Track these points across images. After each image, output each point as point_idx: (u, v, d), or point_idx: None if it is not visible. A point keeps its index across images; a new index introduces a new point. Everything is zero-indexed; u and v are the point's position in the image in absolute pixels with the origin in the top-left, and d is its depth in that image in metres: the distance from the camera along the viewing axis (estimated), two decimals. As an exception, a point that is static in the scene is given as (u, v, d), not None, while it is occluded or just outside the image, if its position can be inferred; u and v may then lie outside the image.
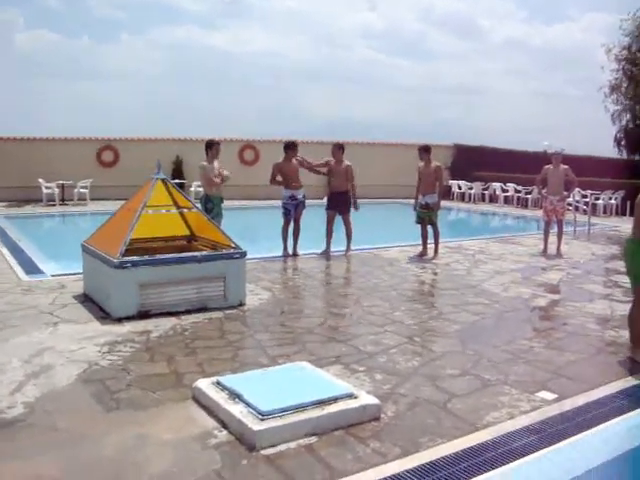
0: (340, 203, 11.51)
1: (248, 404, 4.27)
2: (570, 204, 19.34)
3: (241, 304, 7.57)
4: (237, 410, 4.24)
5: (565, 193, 12.54)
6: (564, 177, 12.29)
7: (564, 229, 12.87)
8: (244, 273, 7.72)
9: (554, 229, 12.67)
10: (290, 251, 11.30)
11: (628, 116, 30.15)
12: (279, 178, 11.21)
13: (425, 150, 11.59)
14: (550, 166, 12.38)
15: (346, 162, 11.48)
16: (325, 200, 11.89)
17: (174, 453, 3.92)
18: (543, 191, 12.72)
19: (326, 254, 11.47)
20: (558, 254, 12.17)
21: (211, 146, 10.08)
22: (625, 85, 29.74)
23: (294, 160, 11.27)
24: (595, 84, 30.41)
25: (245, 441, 4.02)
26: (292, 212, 11.26)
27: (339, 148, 11.59)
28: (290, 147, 11.28)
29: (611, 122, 30.64)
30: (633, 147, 30.52)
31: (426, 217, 11.57)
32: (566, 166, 12.30)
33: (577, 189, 21.52)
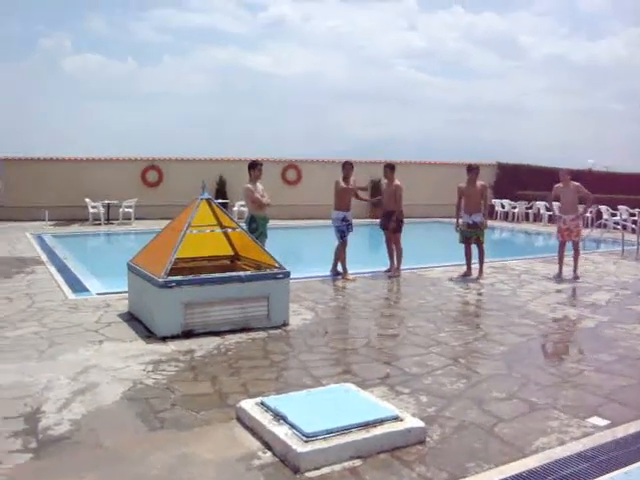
0: (389, 222, 11.53)
1: (292, 425, 4.24)
2: (617, 223, 18.99)
3: (285, 324, 7.56)
4: (281, 431, 4.21)
5: (580, 210, 11.98)
6: (576, 194, 11.69)
7: (580, 250, 12.27)
8: (288, 293, 7.71)
9: (571, 250, 11.95)
10: (339, 270, 11.30)
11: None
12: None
13: (473, 169, 11.52)
14: (560, 184, 11.78)
15: (396, 182, 11.50)
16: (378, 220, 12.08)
17: (218, 473, 3.90)
18: (556, 211, 12.19)
19: (391, 271, 11.57)
20: (575, 277, 11.58)
21: (254, 167, 10.13)
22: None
23: (351, 181, 11.33)
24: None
25: (289, 463, 3.99)
26: (346, 233, 11.26)
27: (391, 168, 11.63)
28: (348, 166, 11.34)
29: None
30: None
31: (473, 236, 11.47)
32: (577, 183, 11.73)
33: (597, 207, 20.89)
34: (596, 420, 4.85)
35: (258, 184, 10.12)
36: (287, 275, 7.64)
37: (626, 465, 4.11)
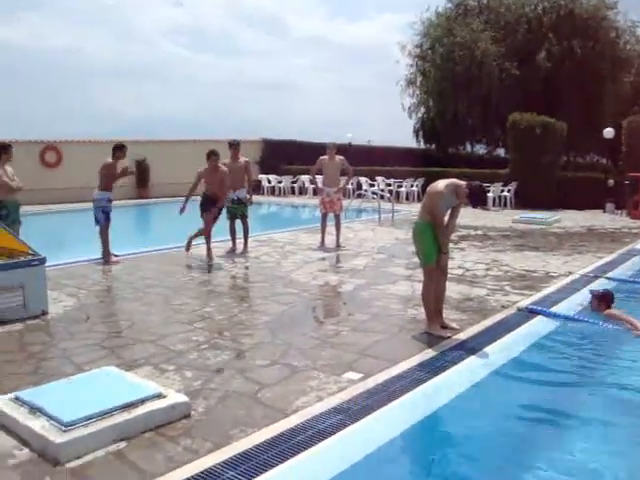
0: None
1: (50, 417, 4.06)
2: (375, 193, 20.33)
3: (44, 313, 7.17)
4: (38, 425, 4.02)
5: (341, 184, 12.62)
6: (340, 168, 12.22)
7: (342, 220, 12.92)
8: (45, 280, 7.31)
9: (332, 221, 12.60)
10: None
11: (423, 109, 32.26)
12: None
13: (233, 145, 11.61)
14: (325, 157, 12.17)
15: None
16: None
17: (-33, 478, 3.65)
18: (319, 183, 12.66)
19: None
20: (337, 245, 12.24)
21: (4, 149, 9.42)
22: (420, 80, 31.82)
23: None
24: (394, 79, 32.32)
25: (48, 456, 3.83)
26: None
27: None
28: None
29: (407, 115, 32.66)
30: (429, 138, 32.80)
31: (238, 212, 11.62)
32: (342, 157, 12.21)
33: (357, 178, 22.28)
34: (351, 375, 5.21)
35: (7, 167, 9.44)
36: (43, 262, 7.24)
37: (375, 411, 4.49)
